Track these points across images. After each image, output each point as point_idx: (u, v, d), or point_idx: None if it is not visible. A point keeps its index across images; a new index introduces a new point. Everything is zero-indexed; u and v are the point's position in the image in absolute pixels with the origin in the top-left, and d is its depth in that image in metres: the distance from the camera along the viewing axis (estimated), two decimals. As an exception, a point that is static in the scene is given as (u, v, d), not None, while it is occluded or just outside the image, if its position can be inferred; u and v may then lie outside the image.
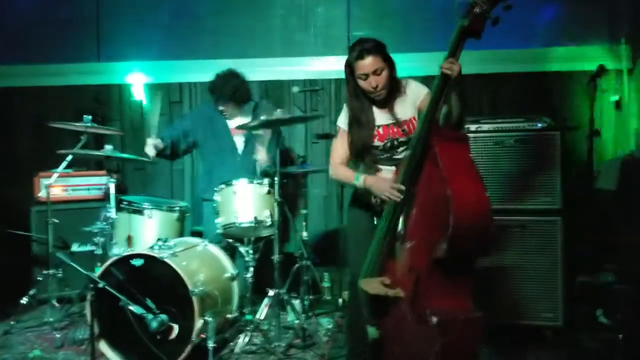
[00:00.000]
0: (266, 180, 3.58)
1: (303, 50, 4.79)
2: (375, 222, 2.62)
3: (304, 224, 4.02)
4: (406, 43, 4.35)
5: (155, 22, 4.92)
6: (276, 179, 3.37)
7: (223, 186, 3.62)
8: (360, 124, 2.67)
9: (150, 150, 3.85)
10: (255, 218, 3.48)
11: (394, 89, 2.65)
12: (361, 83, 2.60)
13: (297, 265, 3.84)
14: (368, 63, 2.53)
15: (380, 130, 2.68)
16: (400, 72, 2.67)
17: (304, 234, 3.96)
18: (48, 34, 4.99)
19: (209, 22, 4.89)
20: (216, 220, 3.62)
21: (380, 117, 2.69)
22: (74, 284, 3.93)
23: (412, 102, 2.67)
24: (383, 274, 2.50)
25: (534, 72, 4.60)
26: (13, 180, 4.77)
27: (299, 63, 4.77)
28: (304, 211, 4.05)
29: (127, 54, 4.92)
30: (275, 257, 3.36)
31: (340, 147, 2.76)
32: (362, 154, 2.69)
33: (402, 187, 2.39)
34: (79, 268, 3.04)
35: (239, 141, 4.04)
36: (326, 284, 4.40)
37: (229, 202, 3.57)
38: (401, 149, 2.68)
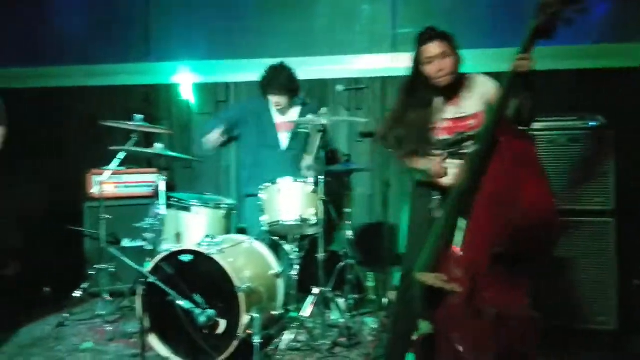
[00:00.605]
0: (311, 179, 3.60)
1: (347, 48, 4.77)
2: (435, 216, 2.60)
3: (349, 222, 4.02)
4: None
5: (202, 22, 4.99)
6: (321, 177, 3.38)
7: (268, 184, 3.65)
8: (412, 112, 2.68)
9: (213, 140, 3.92)
10: (300, 216, 3.50)
11: (460, 82, 2.65)
12: (426, 69, 2.60)
13: (341, 264, 3.84)
14: (435, 46, 2.57)
15: (447, 124, 2.68)
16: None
17: (349, 232, 3.96)
18: (99, 36, 5.13)
19: (255, 22, 4.93)
20: (261, 218, 3.65)
21: (447, 111, 2.68)
22: (125, 279, 4.04)
23: (479, 96, 2.65)
24: (440, 268, 2.46)
25: (588, 69, 4.46)
26: (67, 178, 4.93)
27: (344, 61, 4.76)
28: (348, 210, 4.04)
29: (175, 54, 5.01)
30: (320, 255, 3.37)
31: None
32: (406, 143, 2.72)
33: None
34: (131, 263, 3.13)
35: (284, 137, 4.07)
36: (370, 284, 4.38)
37: (274, 200, 3.60)
38: (468, 143, 2.65)
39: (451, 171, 2.64)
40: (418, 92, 2.69)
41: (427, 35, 2.60)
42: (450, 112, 2.68)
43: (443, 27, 2.65)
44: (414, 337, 2.52)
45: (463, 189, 2.38)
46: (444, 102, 2.70)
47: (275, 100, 3.99)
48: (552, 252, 2.31)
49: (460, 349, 2.30)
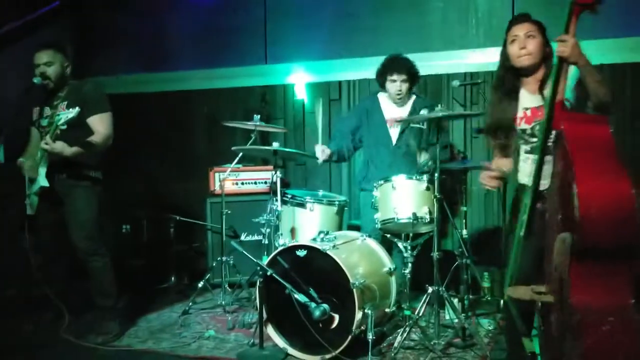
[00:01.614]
0: (425, 177, 3.55)
1: (463, 42, 4.65)
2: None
3: (464, 221, 3.92)
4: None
5: (316, 23, 5.09)
6: (436, 175, 3.32)
7: (382, 182, 3.65)
8: (499, 103, 2.66)
9: (320, 155, 3.94)
10: (414, 214, 3.45)
11: (545, 72, 2.54)
12: (510, 49, 2.58)
13: (456, 263, 3.75)
14: (521, 26, 2.56)
15: (528, 112, 2.59)
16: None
17: (464, 231, 3.85)
18: (220, 41, 5.40)
19: (367, 21, 4.94)
20: (375, 216, 3.65)
21: (529, 99, 2.60)
22: (244, 271, 4.23)
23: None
24: (530, 277, 2.34)
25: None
26: (191, 175, 5.25)
27: (459, 56, 4.64)
28: (463, 208, 3.94)
29: (291, 55, 5.16)
30: (435, 254, 3.31)
31: None
32: (497, 135, 2.69)
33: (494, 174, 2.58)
34: (250, 257, 3.27)
35: (394, 132, 4.03)
36: (486, 284, 4.24)
37: (388, 198, 3.58)
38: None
39: (528, 166, 2.53)
40: (506, 81, 2.65)
41: (517, 18, 2.63)
42: (532, 100, 2.59)
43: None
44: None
45: (534, 187, 2.28)
46: (527, 91, 2.62)
47: (396, 87, 3.87)
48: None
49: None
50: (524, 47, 2.54)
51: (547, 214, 2.24)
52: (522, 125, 2.61)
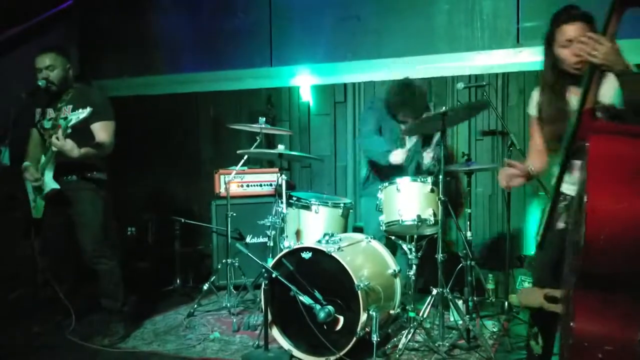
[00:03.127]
0: (429, 179, 3.55)
1: (468, 45, 4.65)
2: (563, 224, 2.34)
3: (468, 223, 3.92)
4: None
5: (321, 25, 5.11)
6: (440, 177, 3.32)
7: (386, 184, 3.66)
8: (551, 109, 2.41)
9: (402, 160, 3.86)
10: (419, 216, 3.46)
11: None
12: (562, 52, 2.32)
13: (460, 265, 3.75)
14: (576, 27, 2.26)
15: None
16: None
17: (468, 233, 3.86)
18: (226, 44, 5.43)
19: (372, 23, 4.95)
20: (379, 218, 3.66)
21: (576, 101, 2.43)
22: (249, 273, 4.24)
23: (612, 85, 2.31)
24: (544, 281, 2.31)
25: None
26: (197, 177, 5.28)
27: (464, 58, 4.64)
28: (468, 210, 3.94)
29: (296, 58, 5.18)
30: (439, 256, 3.31)
31: (534, 135, 2.56)
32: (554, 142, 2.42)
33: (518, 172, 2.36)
34: (255, 259, 3.28)
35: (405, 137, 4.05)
36: (490, 286, 4.25)
37: (392, 200, 3.59)
38: None
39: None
40: (553, 83, 2.40)
41: (568, 14, 2.30)
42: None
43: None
44: None
45: (554, 191, 2.20)
46: (578, 92, 2.40)
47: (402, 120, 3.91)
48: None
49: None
50: (580, 54, 2.16)
51: (569, 220, 2.14)
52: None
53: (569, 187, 2.30)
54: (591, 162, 1.80)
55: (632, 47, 2.51)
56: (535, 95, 2.54)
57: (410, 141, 4.05)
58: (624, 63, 1.98)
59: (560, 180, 2.18)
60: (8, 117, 3.35)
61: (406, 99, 3.86)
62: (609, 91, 2.17)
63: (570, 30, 2.28)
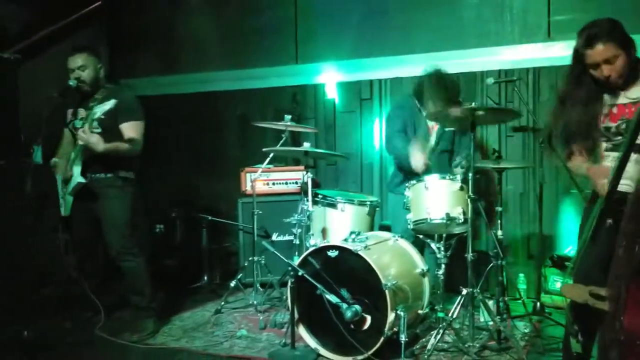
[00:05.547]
0: (459, 176, 3.49)
1: (497, 39, 4.54)
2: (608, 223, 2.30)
3: (499, 222, 3.83)
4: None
5: (347, 22, 5.05)
6: (470, 174, 3.26)
7: (414, 182, 3.61)
8: (577, 105, 2.42)
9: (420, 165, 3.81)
10: (447, 214, 3.40)
11: (635, 67, 2.35)
12: (592, 72, 2.37)
13: (491, 264, 3.68)
14: (598, 51, 2.30)
15: (614, 109, 2.40)
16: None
17: (499, 232, 3.77)
18: (251, 41, 5.42)
19: (398, 18, 4.88)
20: (407, 216, 3.61)
21: (614, 95, 2.42)
22: (275, 271, 4.23)
23: None
24: (590, 278, 2.24)
25: None
26: (223, 175, 5.28)
27: (493, 53, 4.54)
28: (498, 209, 3.86)
29: (322, 55, 5.14)
30: (469, 255, 3.24)
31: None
32: (576, 138, 2.45)
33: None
34: (281, 257, 3.27)
35: (433, 134, 3.99)
36: (521, 286, 4.16)
37: (420, 198, 3.54)
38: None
39: (610, 166, 2.33)
40: (584, 85, 2.42)
41: (589, 37, 2.32)
42: (617, 97, 2.41)
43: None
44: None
45: (610, 186, 2.16)
46: (609, 87, 2.42)
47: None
48: None
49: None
50: (608, 75, 2.32)
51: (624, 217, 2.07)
52: (606, 123, 2.43)
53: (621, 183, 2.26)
54: None
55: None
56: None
57: (435, 135, 3.97)
58: None
59: (618, 176, 2.15)
60: (40, 116, 3.40)
61: (439, 88, 3.80)
62: None
63: (593, 54, 2.32)
